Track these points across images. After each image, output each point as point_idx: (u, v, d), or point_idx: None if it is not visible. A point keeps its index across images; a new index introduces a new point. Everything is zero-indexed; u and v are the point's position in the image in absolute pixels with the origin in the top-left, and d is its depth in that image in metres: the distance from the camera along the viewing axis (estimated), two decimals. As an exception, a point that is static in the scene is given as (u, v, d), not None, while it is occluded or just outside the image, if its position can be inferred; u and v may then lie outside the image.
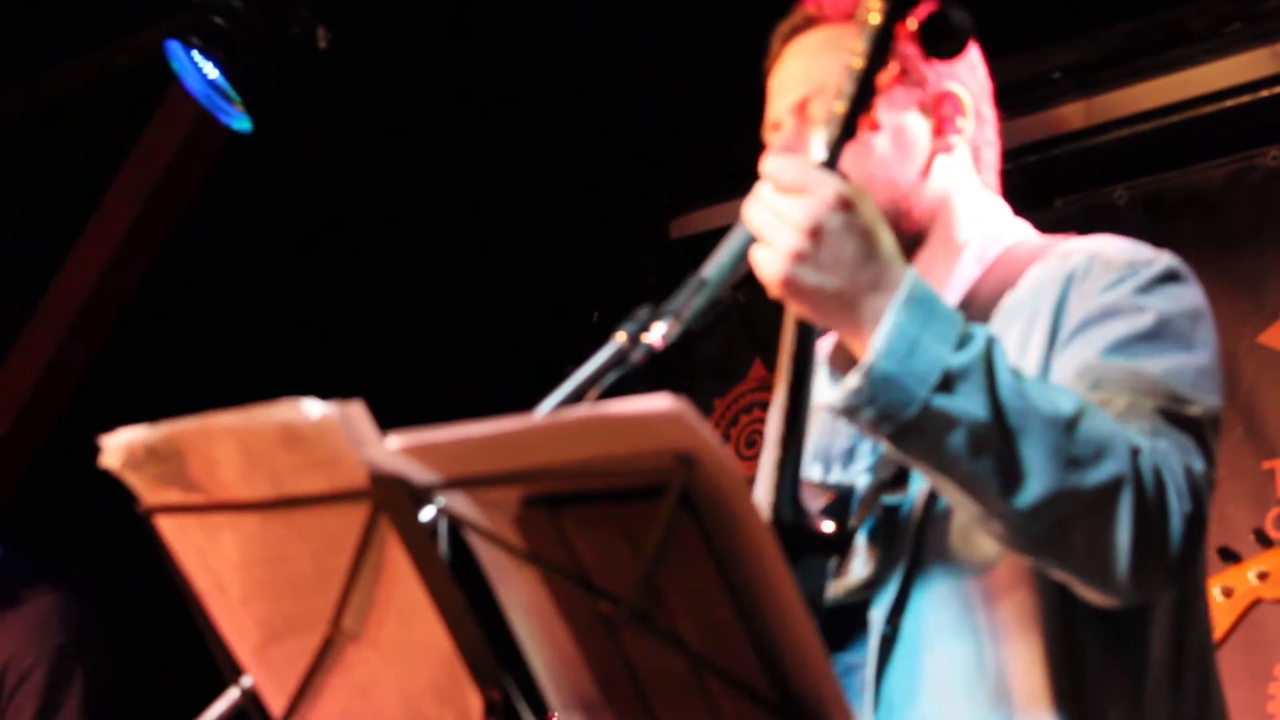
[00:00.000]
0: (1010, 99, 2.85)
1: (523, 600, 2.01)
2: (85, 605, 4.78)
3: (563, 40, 5.96)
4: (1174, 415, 2.36)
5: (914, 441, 2.23)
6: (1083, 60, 5.81)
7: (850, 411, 2.24)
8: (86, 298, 6.53)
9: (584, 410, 1.79)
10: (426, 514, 1.93)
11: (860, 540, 2.58)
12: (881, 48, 2.26)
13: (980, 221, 2.77)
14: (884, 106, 2.71)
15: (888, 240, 2.26)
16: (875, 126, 2.70)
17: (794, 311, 2.39)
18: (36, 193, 6.83)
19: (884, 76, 2.30)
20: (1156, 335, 2.45)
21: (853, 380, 2.22)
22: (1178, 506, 2.25)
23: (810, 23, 2.79)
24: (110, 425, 2.04)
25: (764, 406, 6.73)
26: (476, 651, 1.95)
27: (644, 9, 5.84)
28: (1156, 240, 2.63)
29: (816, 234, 2.20)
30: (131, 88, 6.44)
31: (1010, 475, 2.19)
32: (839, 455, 2.74)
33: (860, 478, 2.68)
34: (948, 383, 2.19)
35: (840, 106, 2.26)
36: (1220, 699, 2.60)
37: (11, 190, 6.88)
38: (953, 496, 2.30)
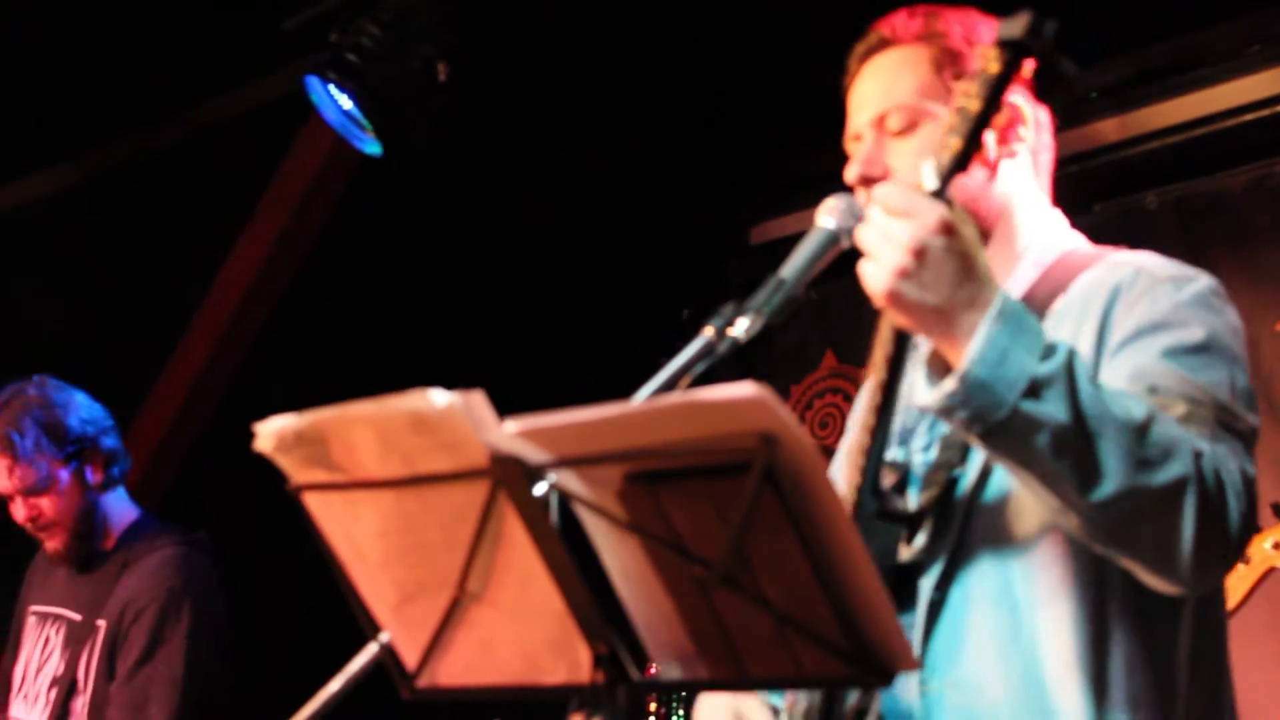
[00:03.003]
0: (1051, 117, 2.83)
1: (625, 565, 2.01)
2: (200, 558, 4.80)
3: (658, 72, 5.96)
4: (1226, 425, 2.35)
5: (1002, 441, 2.22)
6: (1117, 81, 5.77)
7: (946, 411, 2.23)
8: (238, 305, 6.58)
9: (677, 396, 1.79)
10: (540, 489, 1.93)
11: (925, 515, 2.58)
12: (996, 94, 2.25)
13: (1039, 229, 2.75)
14: (937, 112, 2.69)
15: (984, 261, 2.25)
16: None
17: (892, 321, 2.39)
18: (191, 213, 6.88)
19: (997, 119, 2.29)
20: (1205, 349, 2.43)
21: (949, 384, 2.21)
22: (1235, 505, 2.24)
23: (885, 44, 2.76)
24: (262, 414, 2.05)
25: (835, 392, 6.70)
26: (585, 610, 1.95)
27: (724, 50, 5.85)
28: (1184, 239, 2.62)
29: (920, 254, 2.20)
30: (275, 118, 6.48)
31: (1088, 474, 2.18)
32: (897, 435, 2.73)
33: (916, 455, 2.67)
34: (1034, 389, 2.18)
35: (955, 142, 2.25)
36: (1230, 682, 2.57)
37: (168, 211, 6.94)
38: (1034, 490, 2.28)
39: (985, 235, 2.70)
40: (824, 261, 2.57)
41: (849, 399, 6.66)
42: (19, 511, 4.78)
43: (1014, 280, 2.69)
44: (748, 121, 6.19)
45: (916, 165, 2.57)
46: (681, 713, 6.40)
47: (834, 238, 2.56)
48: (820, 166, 2.79)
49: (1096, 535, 2.27)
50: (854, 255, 2.63)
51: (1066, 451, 2.19)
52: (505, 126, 6.22)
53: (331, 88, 5.28)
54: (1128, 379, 2.40)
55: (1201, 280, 2.55)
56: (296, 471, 2.06)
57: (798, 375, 6.80)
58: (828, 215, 2.57)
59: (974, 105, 2.25)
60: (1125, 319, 2.50)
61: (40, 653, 4.84)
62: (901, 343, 2.47)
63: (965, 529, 2.52)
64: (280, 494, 2.09)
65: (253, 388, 6.56)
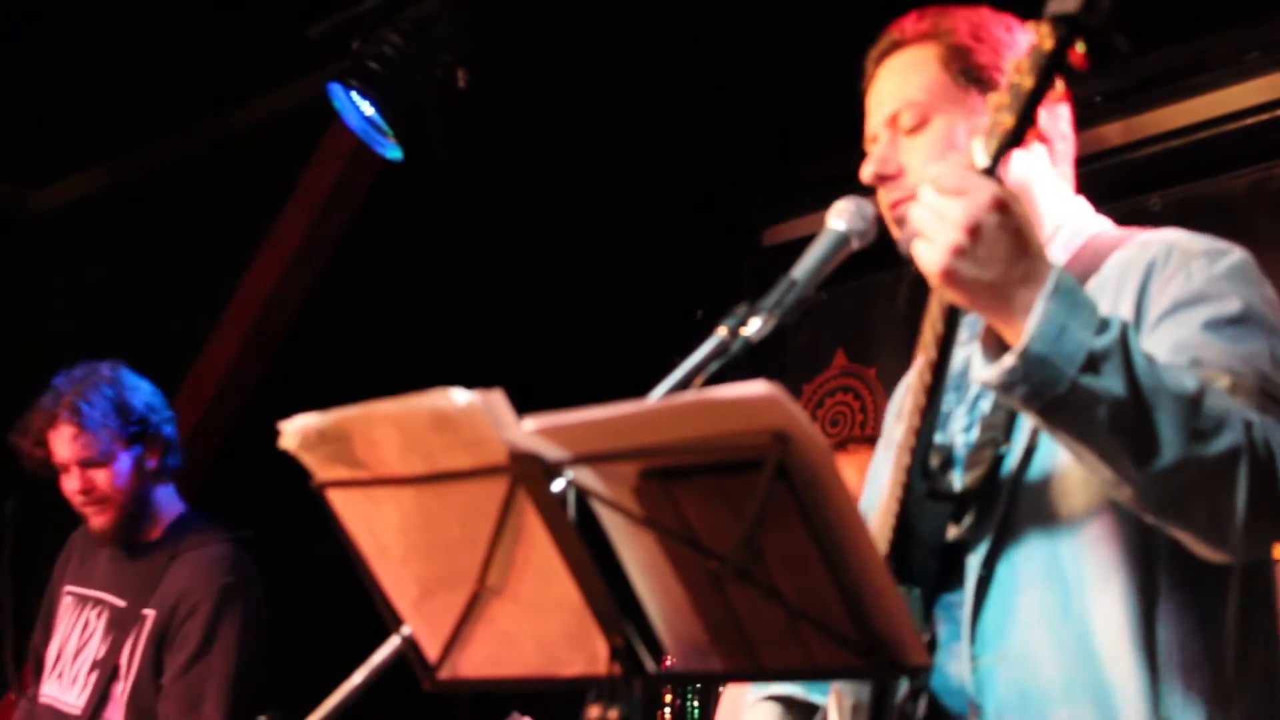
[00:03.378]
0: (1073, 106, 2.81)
1: (641, 559, 2.01)
2: (248, 556, 4.84)
3: (673, 80, 5.96)
4: (1270, 394, 2.32)
5: (1061, 415, 2.20)
6: (1121, 86, 5.77)
7: (1006, 387, 2.20)
8: (264, 305, 6.59)
9: (692, 394, 1.79)
10: (558, 485, 1.93)
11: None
12: (1049, 71, 2.20)
13: (1065, 214, 2.72)
14: (964, 103, 2.67)
15: (1037, 239, 2.22)
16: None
17: (944, 298, 2.38)
18: (218, 216, 6.90)
19: (1050, 96, 2.25)
20: (1244, 320, 2.41)
21: (1009, 360, 2.18)
22: None
23: (896, 46, 2.74)
24: (287, 413, 2.05)
25: (845, 391, 6.71)
26: (602, 603, 1.95)
27: (738, 58, 5.85)
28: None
29: (975, 231, 2.17)
30: (299, 124, 6.49)
31: (1145, 446, 2.16)
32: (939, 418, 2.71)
33: (957, 438, 2.65)
34: (1092, 363, 2.16)
35: (1008, 119, 2.21)
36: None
37: (196, 215, 6.96)
38: (1089, 464, 2.26)
39: None
40: (835, 262, 2.57)
41: (859, 397, 6.67)
42: (72, 483, 4.78)
43: None
44: (760, 127, 6.20)
45: (927, 161, 2.57)
46: (696, 703, 6.40)
47: (844, 239, 2.57)
48: (831, 170, 2.79)
49: (1151, 506, 2.25)
50: (864, 254, 2.64)
51: (1124, 424, 2.16)
52: (524, 132, 6.23)
53: (354, 94, 5.29)
54: (1169, 352, 2.37)
55: (1235, 253, 2.54)
56: (320, 469, 2.06)
57: (809, 374, 6.80)
58: (838, 217, 2.57)
59: (1027, 82, 2.21)
60: (1162, 294, 2.47)
61: (80, 635, 4.85)
62: (952, 322, 2.44)
63: (1011, 507, 2.50)
64: (305, 491, 2.09)
65: (278, 387, 6.56)
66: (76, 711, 4.71)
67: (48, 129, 6.95)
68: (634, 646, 1.97)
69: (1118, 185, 5.75)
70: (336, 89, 5.32)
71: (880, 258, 2.75)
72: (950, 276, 2.20)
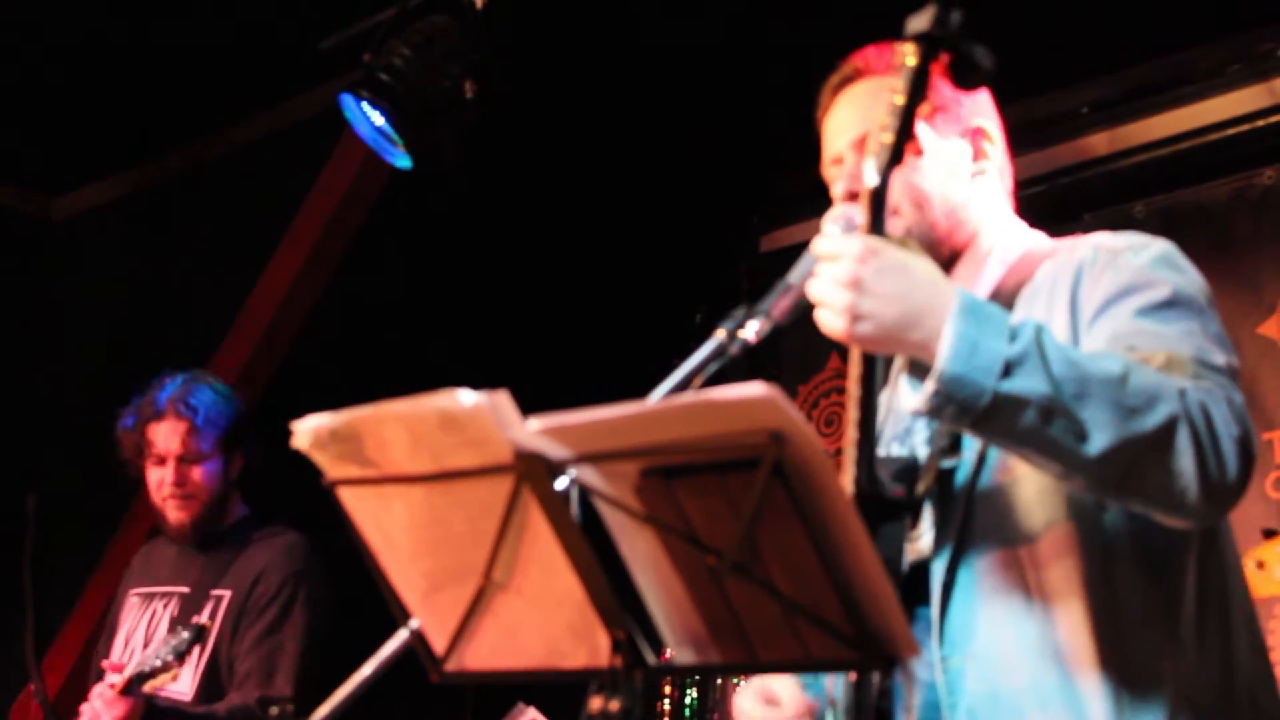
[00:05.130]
0: (1046, 130, 2.85)
1: (642, 555, 2.00)
2: (315, 545, 4.94)
3: (674, 91, 5.97)
4: (1206, 364, 2.35)
5: (993, 424, 2.22)
6: (1107, 97, 5.77)
7: (935, 411, 2.24)
8: (277, 308, 6.58)
9: (691, 395, 1.79)
10: (561, 484, 1.93)
11: (926, 504, 2.57)
12: (919, 85, 2.24)
13: (1003, 231, 2.77)
14: (934, 136, 2.74)
15: (924, 268, 2.27)
16: (919, 151, 2.70)
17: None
18: (233, 223, 6.90)
19: (923, 109, 2.29)
20: (1173, 304, 2.44)
21: (929, 385, 2.22)
22: (1227, 431, 2.24)
23: (859, 74, 2.81)
24: (299, 413, 2.05)
25: (840, 392, 6.69)
26: (604, 598, 1.95)
27: (737, 68, 5.85)
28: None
29: (857, 285, 2.22)
30: (312, 133, 6.50)
31: (1080, 434, 2.18)
32: (899, 434, 2.74)
33: (920, 449, 2.66)
34: (1009, 370, 2.19)
35: (888, 137, 2.24)
36: (1241, 608, 2.54)
37: (212, 221, 6.96)
38: (1035, 463, 2.29)
39: (969, 240, 2.74)
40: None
41: (853, 398, 6.65)
42: (166, 475, 4.87)
43: (984, 277, 2.71)
44: (759, 136, 6.19)
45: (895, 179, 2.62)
46: (694, 694, 6.39)
47: (839, 245, 2.58)
48: (824, 181, 2.79)
49: (1105, 489, 2.28)
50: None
51: (1055, 418, 2.19)
52: (530, 141, 6.23)
53: (365, 105, 5.29)
54: (1106, 343, 2.40)
55: (1157, 244, 2.57)
56: (331, 467, 2.06)
57: (805, 376, 6.79)
58: (832, 224, 2.59)
59: (899, 100, 2.24)
60: (1094, 292, 2.51)
61: (148, 626, 4.93)
62: (871, 364, 2.47)
63: (969, 513, 2.52)
64: (316, 489, 2.09)
65: (290, 388, 6.56)
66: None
67: (69, 138, 6.95)
68: (635, 640, 1.97)
69: (1104, 193, 5.76)
70: (348, 99, 5.32)
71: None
72: (854, 333, 2.25)
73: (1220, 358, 2.39)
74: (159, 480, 4.90)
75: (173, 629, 4.56)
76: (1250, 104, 5.48)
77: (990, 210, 2.78)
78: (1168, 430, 2.20)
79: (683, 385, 2.38)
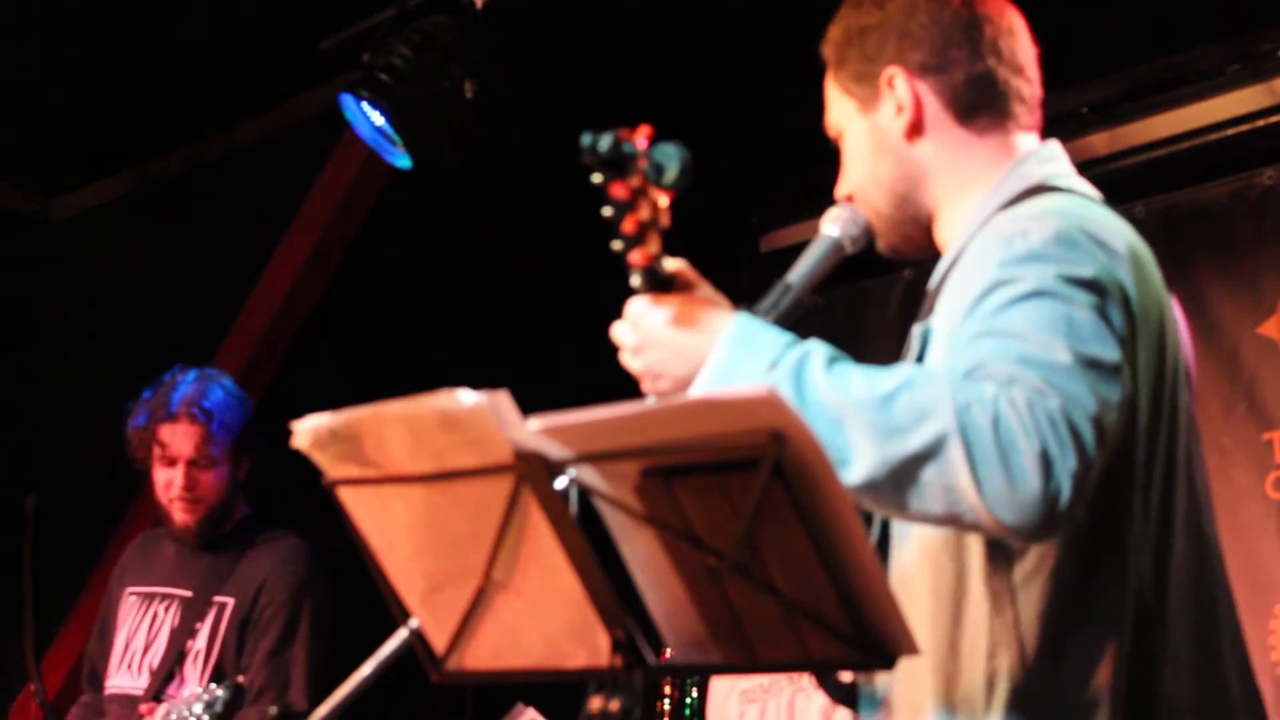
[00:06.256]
0: (1045, 131, 2.82)
1: (641, 555, 2.01)
2: (315, 549, 4.93)
3: (673, 91, 5.96)
4: (1039, 363, 2.13)
5: None
6: (1106, 97, 5.77)
7: None
8: (277, 309, 6.58)
9: (692, 395, 1.79)
10: (561, 484, 1.93)
11: None
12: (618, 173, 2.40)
13: (959, 228, 2.58)
14: (857, 116, 2.63)
15: (702, 313, 2.28)
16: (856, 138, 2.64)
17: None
18: (233, 222, 6.90)
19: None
20: (1032, 296, 2.21)
21: None
22: (1019, 443, 2.03)
23: (826, 64, 2.72)
24: (299, 413, 2.05)
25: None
26: (604, 598, 1.95)
27: (737, 69, 5.85)
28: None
29: (639, 350, 2.30)
30: (312, 133, 6.49)
31: (840, 459, 2.04)
32: None
33: None
34: None
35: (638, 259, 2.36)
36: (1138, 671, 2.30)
37: (212, 221, 6.96)
38: None
39: (929, 217, 2.60)
40: (828, 267, 2.57)
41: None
42: (176, 478, 4.85)
43: (945, 260, 2.55)
44: (758, 137, 6.20)
45: (851, 174, 2.64)
46: (694, 694, 6.39)
47: (838, 245, 2.58)
48: (825, 179, 2.77)
49: (889, 509, 2.17)
50: (857, 261, 2.64)
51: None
52: (529, 140, 6.22)
53: (364, 105, 5.29)
54: (966, 344, 2.23)
55: (1036, 233, 2.31)
56: (331, 467, 2.06)
57: (803, 375, 6.79)
58: (831, 224, 2.58)
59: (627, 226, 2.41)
60: (971, 287, 2.30)
61: (149, 629, 4.90)
62: None
63: (885, 523, 2.48)
64: (315, 488, 2.09)
65: (290, 388, 6.56)
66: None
67: (69, 138, 6.95)
68: (635, 639, 1.97)
69: (1103, 194, 5.75)
70: (348, 99, 5.32)
71: (872, 264, 2.76)
72: (658, 391, 2.28)
73: (1066, 354, 2.14)
74: (167, 481, 4.87)
75: (207, 686, 4.53)
76: (1250, 104, 5.48)
77: (940, 165, 2.59)
78: (934, 447, 2.04)
79: (682, 385, 2.38)
